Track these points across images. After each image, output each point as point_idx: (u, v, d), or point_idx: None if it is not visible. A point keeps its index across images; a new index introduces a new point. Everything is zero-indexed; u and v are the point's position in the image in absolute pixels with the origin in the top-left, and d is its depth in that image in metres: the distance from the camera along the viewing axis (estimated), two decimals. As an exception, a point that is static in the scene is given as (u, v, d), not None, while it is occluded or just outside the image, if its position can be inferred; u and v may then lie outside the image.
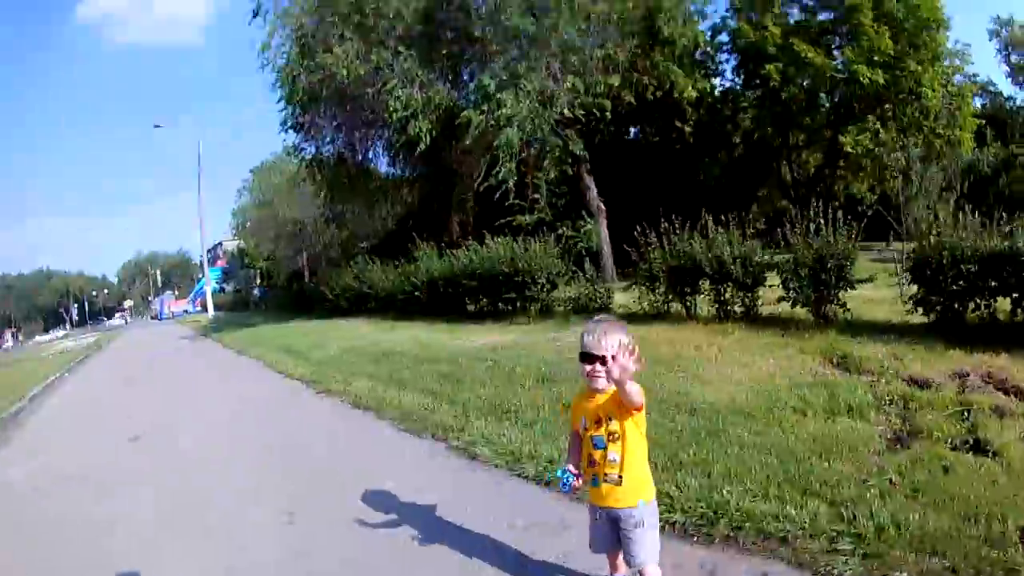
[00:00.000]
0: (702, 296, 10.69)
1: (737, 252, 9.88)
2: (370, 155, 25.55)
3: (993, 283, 7.80)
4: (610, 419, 2.95)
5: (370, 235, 32.79)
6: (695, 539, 3.81)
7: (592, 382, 2.97)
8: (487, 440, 6.00)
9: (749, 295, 10.08)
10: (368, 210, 28.63)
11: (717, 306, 10.43)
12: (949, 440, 4.93)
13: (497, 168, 18.37)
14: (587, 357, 2.92)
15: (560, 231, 19.76)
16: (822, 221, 9.12)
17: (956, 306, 8.19)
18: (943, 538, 3.39)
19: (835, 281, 9.00)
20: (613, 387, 2.87)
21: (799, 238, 9.36)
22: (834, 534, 3.57)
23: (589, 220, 22.09)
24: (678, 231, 10.75)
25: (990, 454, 4.57)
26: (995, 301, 8.00)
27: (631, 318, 10.89)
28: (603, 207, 21.90)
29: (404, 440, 6.74)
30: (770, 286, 9.95)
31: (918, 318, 8.67)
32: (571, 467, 3.08)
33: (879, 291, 11.32)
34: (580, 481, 3.06)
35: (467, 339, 12.45)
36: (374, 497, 5.07)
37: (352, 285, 22.90)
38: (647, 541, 2.98)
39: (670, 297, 11.15)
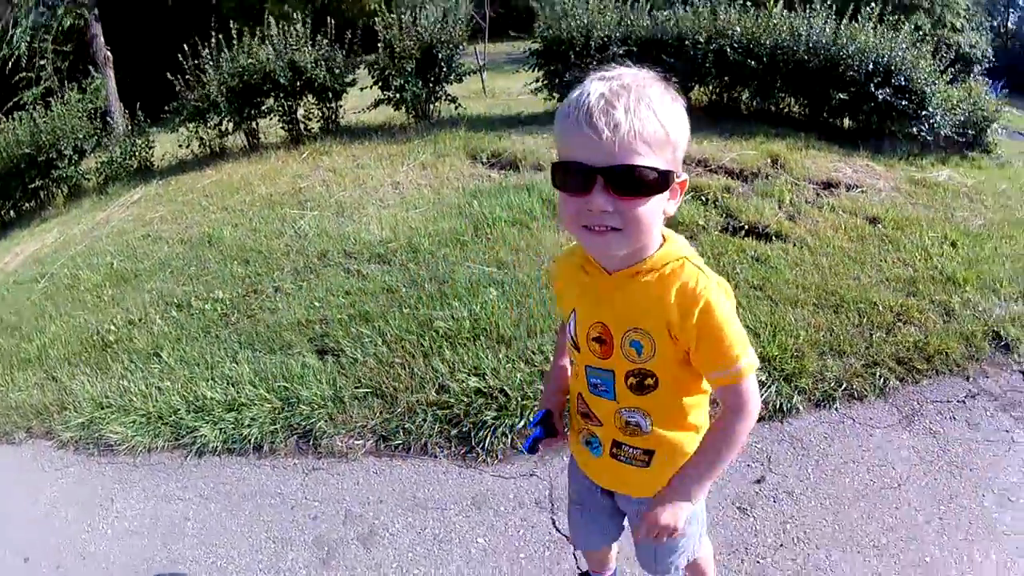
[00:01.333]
0: (272, 117, 8.35)
1: (318, 54, 7.90)
2: None
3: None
4: (638, 342, 1.33)
5: None
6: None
7: (591, 241, 1.24)
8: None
9: (331, 106, 8.33)
10: None
11: (288, 127, 8.35)
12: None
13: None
14: (577, 173, 1.16)
15: (66, 97, 15.22)
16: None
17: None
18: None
19: (444, 74, 7.80)
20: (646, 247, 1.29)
21: (397, 31, 7.81)
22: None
23: (97, 75, 17.43)
24: (236, 43, 8.08)
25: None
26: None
27: (183, 167, 8.40)
28: (110, 55, 17.34)
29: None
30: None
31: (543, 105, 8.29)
32: (552, 413, 1.60)
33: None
34: (561, 442, 1.62)
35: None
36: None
37: None
38: (691, 544, 1.70)
39: (228, 129, 8.42)
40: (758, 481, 2.82)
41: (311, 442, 3.13)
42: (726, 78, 8.68)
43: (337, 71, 7.96)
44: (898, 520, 2.68)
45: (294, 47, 7.86)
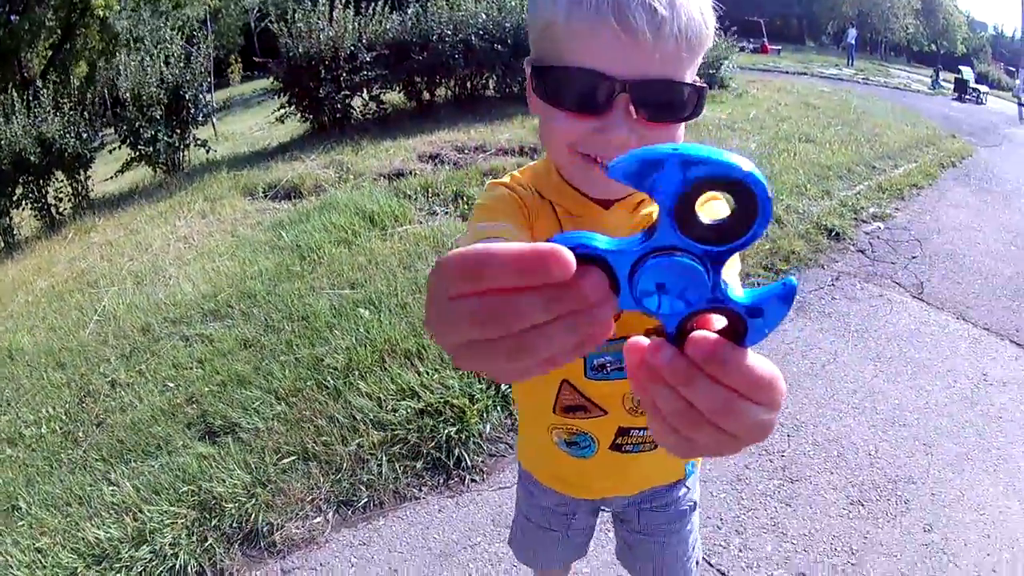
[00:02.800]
0: (23, 207, 6.95)
1: (64, 122, 6.69)
2: None
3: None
4: None
5: None
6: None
7: (592, 175, 0.87)
8: None
9: (79, 180, 7.14)
10: None
11: (40, 214, 7.03)
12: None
13: None
14: (591, 85, 0.79)
15: None
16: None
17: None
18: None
19: (192, 116, 7.02)
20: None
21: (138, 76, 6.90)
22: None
23: None
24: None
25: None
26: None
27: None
28: None
29: None
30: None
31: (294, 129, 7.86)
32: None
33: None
34: None
35: None
36: None
37: None
38: (696, 533, 1.36)
39: None
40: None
41: (261, 544, 2.34)
42: (474, 65, 8.80)
43: (85, 135, 6.82)
44: (853, 382, 3.28)
45: (39, 119, 6.59)
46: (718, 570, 2.24)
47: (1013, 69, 36.64)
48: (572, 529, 1.34)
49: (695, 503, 1.30)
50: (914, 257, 4.86)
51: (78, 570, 2.25)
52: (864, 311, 4.01)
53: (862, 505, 2.52)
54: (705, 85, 0.84)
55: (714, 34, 0.84)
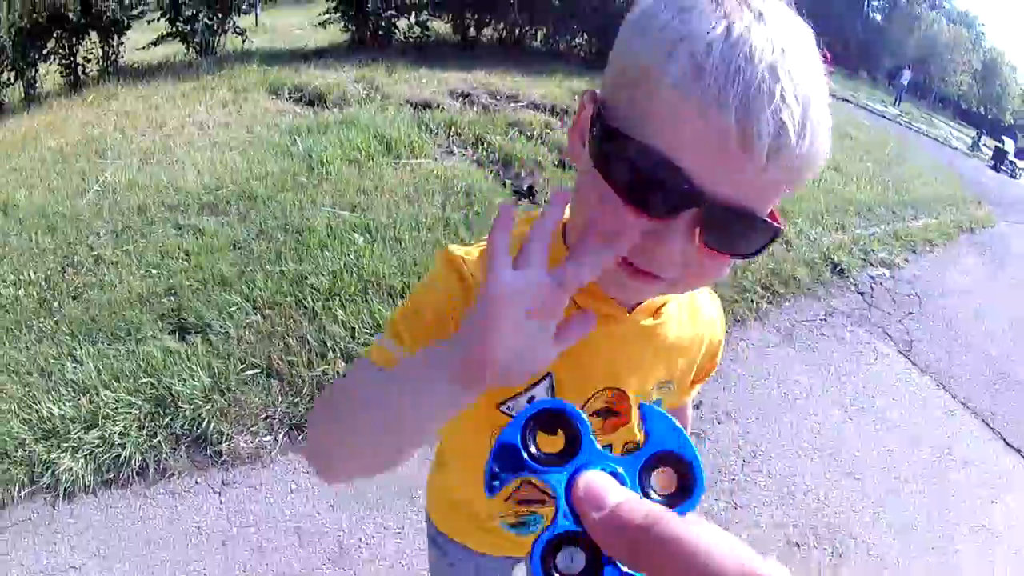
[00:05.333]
0: (51, 61, 6.58)
1: None
2: None
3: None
4: (659, 400, 0.92)
5: None
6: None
7: (621, 280, 0.66)
8: None
9: (113, 44, 6.83)
10: None
11: (67, 71, 6.69)
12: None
13: None
14: (665, 186, 0.57)
15: None
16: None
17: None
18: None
19: (237, 3, 6.75)
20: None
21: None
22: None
23: None
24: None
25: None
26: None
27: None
28: None
29: None
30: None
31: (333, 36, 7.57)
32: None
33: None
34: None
35: None
36: None
37: None
38: None
39: (11, 79, 6.37)
40: (696, 406, 2.82)
41: (208, 451, 2.29)
42: (525, 14, 8.50)
43: (127, 1, 6.49)
44: (820, 424, 3.23)
45: None
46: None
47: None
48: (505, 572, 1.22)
49: None
50: (910, 313, 4.73)
51: (26, 441, 2.21)
52: (848, 354, 3.93)
53: (798, 547, 2.50)
54: (783, 227, 0.65)
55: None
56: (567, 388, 0.83)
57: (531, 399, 0.83)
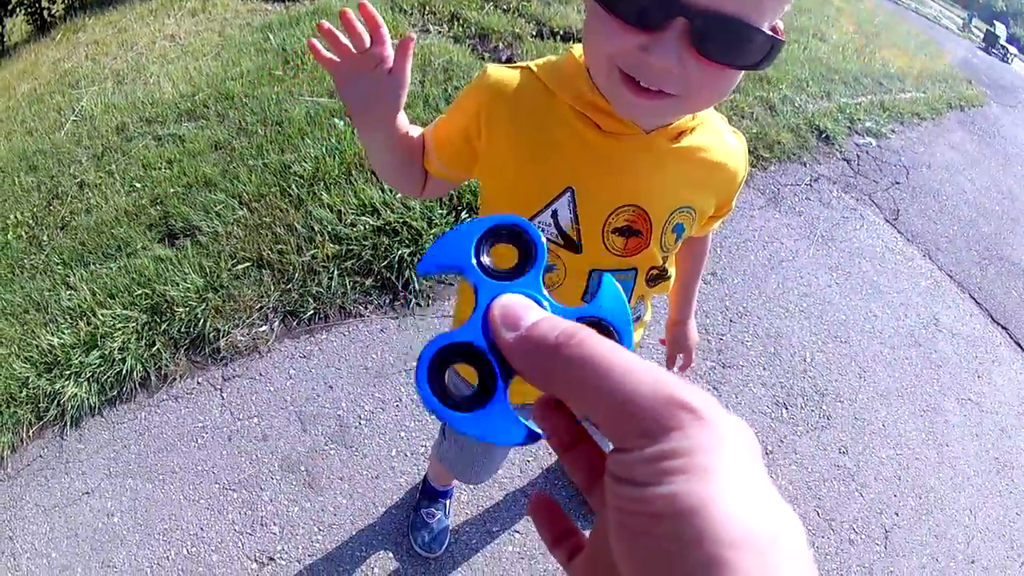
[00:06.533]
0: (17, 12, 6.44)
1: None
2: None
3: None
4: (681, 225, 0.97)
5: None
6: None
7: (629, 100, 0.72)
8: None
9: None
10: None
11: (33, 17, 6.54)
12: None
13: None
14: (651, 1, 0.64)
15: None
16: None
17: None
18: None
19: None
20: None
21: None
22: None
23: None
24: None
25: None
26: None
27: None
28: None
29: None
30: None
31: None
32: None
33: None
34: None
35: None
36: None
37: None
38: None
39: None
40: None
41: (206, 350, 2.25)
42: None
43: None
44: (806, 286, 3.14)
45: None
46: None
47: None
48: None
49: None
50: (897, 183, 4.54)
51: (29, 379, 2.18)
52: (834, 219, 3.79)
53: (786, 408, 2.44)
54: (782, 39, 0.67)
55: None
56: (588, 202, 0.88)
57: (555, 213, 0.88)
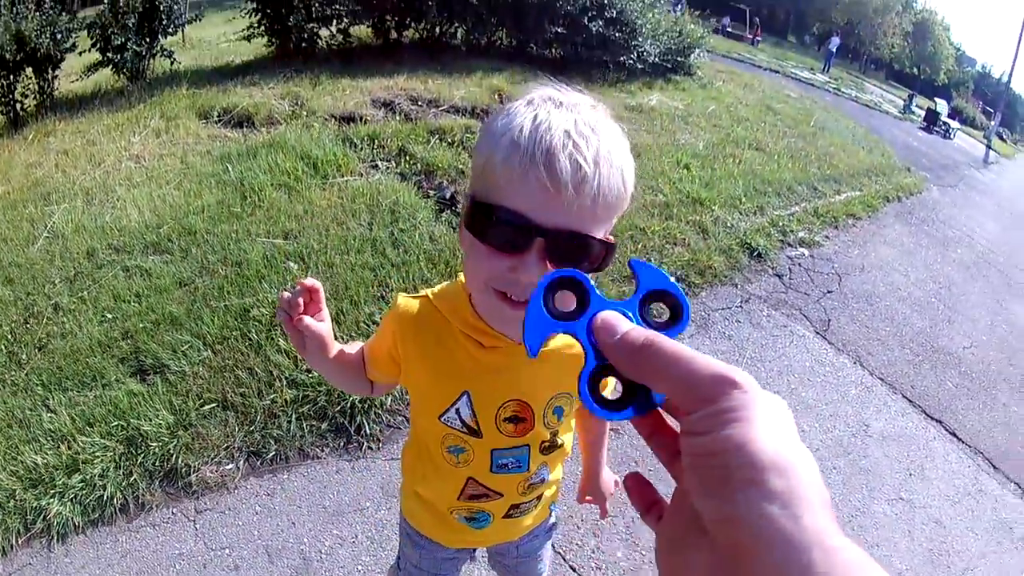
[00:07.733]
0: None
1: (43, 20, 6.47)
2: None
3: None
4: (561, 407, 1.16)
5: None
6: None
7: (505, 313, 0.93)
8: None
9: (47, 78, 6.91)
10: None
11: (6, 109, 6.77)
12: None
13: None
14: (512, 228, 0.85)
15: None
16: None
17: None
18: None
19: (163, 26, 6.96)
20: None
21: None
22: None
23: None
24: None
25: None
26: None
27: None
28: None
29: None
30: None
31: (258, 49, 7.71)
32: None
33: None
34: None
35: None
36: None
37: None
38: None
39: None
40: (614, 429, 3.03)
41: (179, 483, 2.60)
42: (445, 14, 8.74)
43: (60, 36, 6.59)
44: None
45: (20, 15, 6.34)
46: (571, 566, 2.49)
47: (991, 110, 35.27)
48: (460, 566, 1.56)
49: (555, 522, 1.55)
50: (829, 292, 4.75)
51: (16, 492, 2.49)
52: (764, 340, 3.99)
53: None
54: (614, 243, 0.89)
55: (630, 198, 0.91)
56: (481, 401, 1.11)
57: (458, 411, 1.11)
